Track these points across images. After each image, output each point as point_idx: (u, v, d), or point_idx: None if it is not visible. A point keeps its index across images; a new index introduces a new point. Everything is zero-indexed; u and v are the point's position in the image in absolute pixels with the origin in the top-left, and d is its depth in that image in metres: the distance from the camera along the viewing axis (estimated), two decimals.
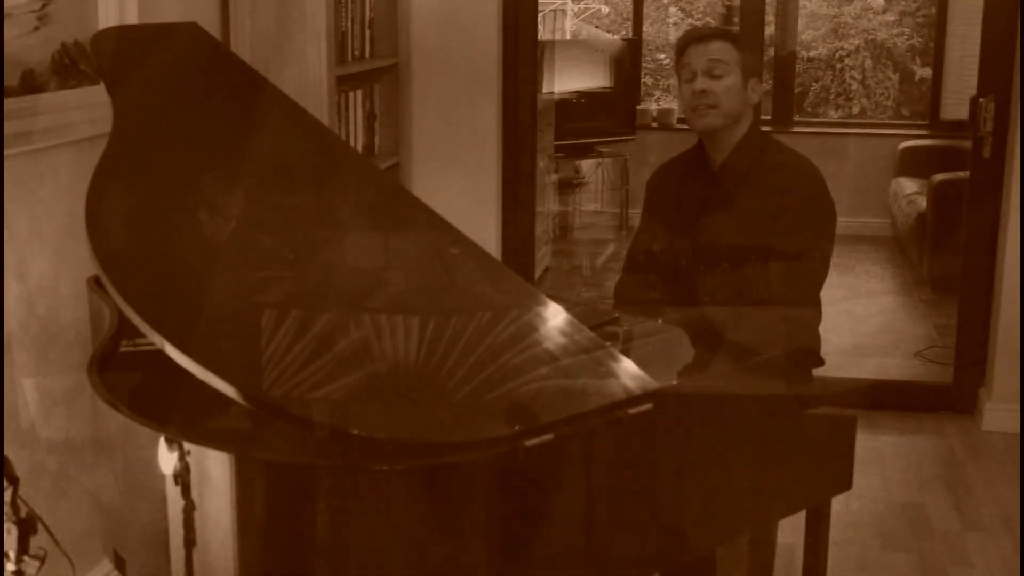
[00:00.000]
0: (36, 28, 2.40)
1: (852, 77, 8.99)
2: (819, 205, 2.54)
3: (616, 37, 8.27)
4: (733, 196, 2.56)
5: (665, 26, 9.46)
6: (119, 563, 1.87)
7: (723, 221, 2.56)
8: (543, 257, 5.90)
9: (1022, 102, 3.72)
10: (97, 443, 1.97)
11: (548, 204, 6.22)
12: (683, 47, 2.56)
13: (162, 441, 1.62)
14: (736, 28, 7.40)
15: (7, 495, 1.71)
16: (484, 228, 4.11)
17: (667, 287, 2.66)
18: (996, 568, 3.03)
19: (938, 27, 7.60)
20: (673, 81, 9.22)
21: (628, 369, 1.81)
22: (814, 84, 9.05)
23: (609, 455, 1.68)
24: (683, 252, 2.63)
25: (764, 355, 2.10)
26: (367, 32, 3.98)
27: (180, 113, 2.23)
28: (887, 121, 8.75)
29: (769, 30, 7.33)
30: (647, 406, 1.69)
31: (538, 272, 5.42)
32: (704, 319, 2.48)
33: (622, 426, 1.67)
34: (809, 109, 8.96)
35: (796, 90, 8.21)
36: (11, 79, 2.33)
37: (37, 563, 1.72)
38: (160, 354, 1.67)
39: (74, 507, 2.56)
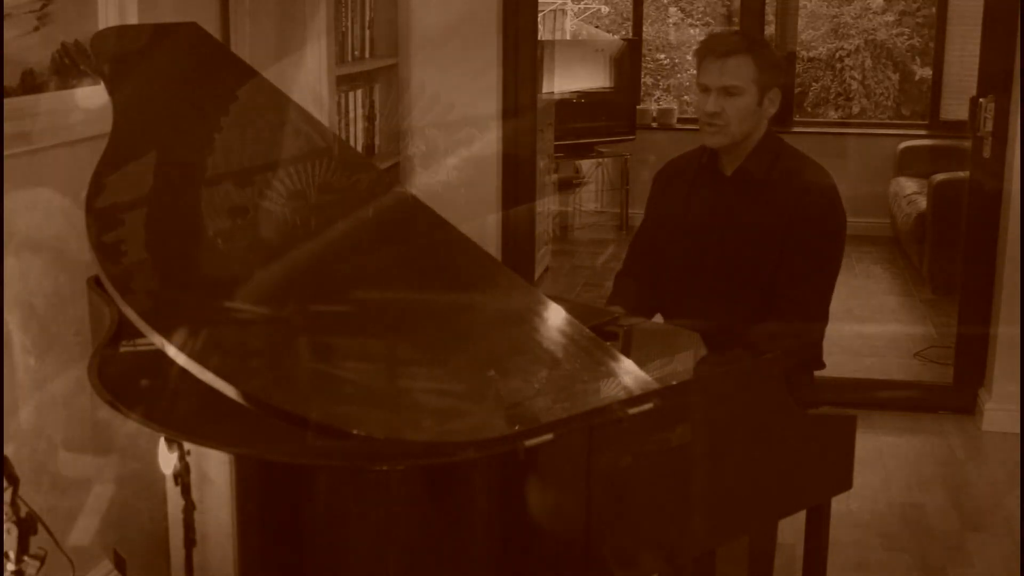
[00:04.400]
0: (36, 28, 2.40)
1: (852, 77, 9.00)
2: (831, 218, 2.53)
3: (616, 37, 8.27)
4: (745, 205, 2.54)
5: (665, 26, 9.46)
6: (119, 563, 1.87)
7: (734, 229, 2.55)
8: (543, 257, 5.90)
9: (1022, 102, 3.72)
10: (97, 443, 1.97)
11: (548, 204, 6.22)
12: (701, 58, 2.51)
13: (162, 441, 1.62)
14: (735, 28, 7.41)
15: (7, 495, 1.71)
16: (484, 228, 4.11)
17: (669, 290, 2.65)
18: (996, 568, 3.03)
19: (938, 27, 7.60)
20: (673, 81, 9.23)
21: (628, 369, 1.81)
22: (814, 84, 9.05)
23: (609, 455, 1.68)
24: (690, 255, 2.61)
25: (764, 355, 2.10)
26: (367, 32, 3.98)
27: (180, 113, 2.23)
28: (887, 121, 8.76)
29: (769, 30, 7.33)
30: (647, 406, 1.69)
31: (538, 272, 5.42)
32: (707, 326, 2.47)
33: (622, 426, 1.67)
34: (809, 109, 8.97)
35: (796, 90, 8.21)
36: (11, 79, 2.33)
37: (37, 563, 1.72)
38: (160, 354, 1.67)
39: (74, 507, 2.56)
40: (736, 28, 8.59)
